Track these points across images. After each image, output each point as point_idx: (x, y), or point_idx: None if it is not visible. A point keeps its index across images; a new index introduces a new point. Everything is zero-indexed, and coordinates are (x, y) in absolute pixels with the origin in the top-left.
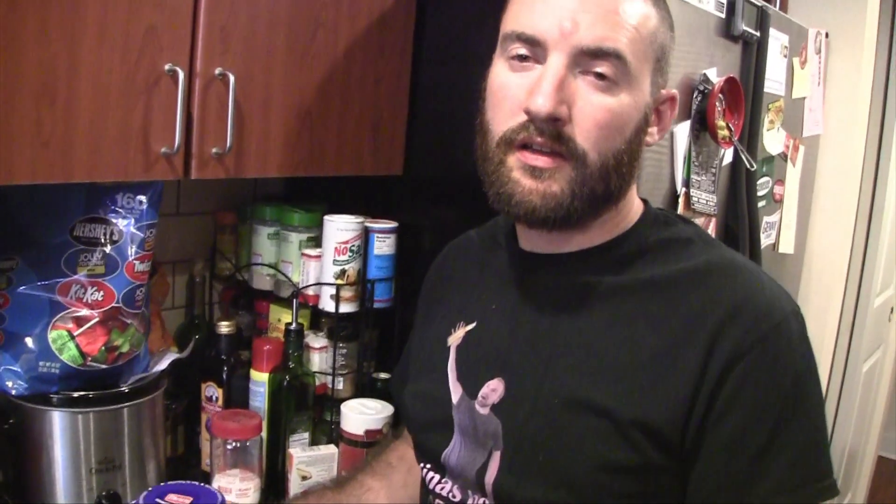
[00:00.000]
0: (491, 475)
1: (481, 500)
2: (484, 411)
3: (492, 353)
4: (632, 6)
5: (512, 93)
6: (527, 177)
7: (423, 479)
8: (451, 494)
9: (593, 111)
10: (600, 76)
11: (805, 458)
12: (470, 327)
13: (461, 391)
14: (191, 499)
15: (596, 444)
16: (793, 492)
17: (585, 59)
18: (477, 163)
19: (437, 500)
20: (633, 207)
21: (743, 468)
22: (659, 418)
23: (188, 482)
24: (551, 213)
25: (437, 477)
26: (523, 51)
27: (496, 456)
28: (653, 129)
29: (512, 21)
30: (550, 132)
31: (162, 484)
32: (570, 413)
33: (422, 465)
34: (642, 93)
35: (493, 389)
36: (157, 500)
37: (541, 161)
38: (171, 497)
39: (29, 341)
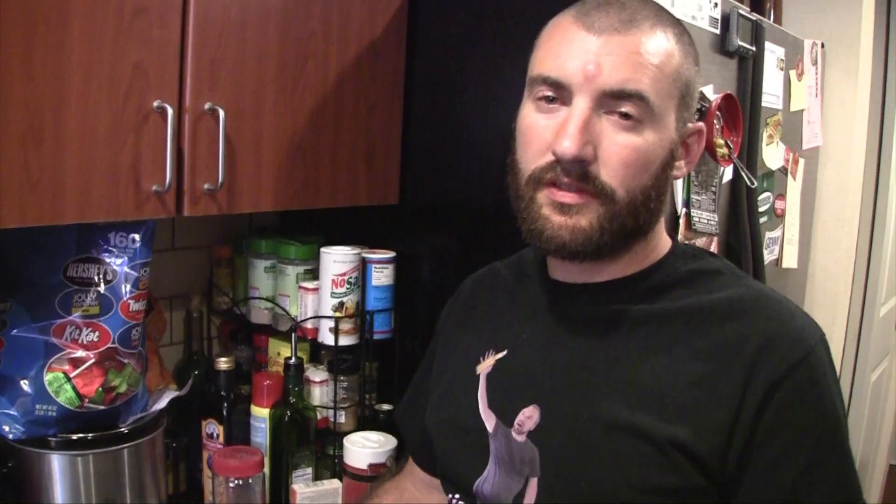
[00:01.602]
0: (529, 502)
1: None
2: (520, 438)
3: (525, 380)
4: (655, 46)
5: (539, 134)
6: (556, 213)
7: None
8: None
9: (619, 150)
10: (625, 115)
11: (842, 478)
12: (500, 355)
13: (495, 419)
14: None
15: (638, 467)
16: None
17: (609, 100)
18: (510, 200)
19: None
20: (662, 240)
21: (786, 492)
22: (699, 443)
23: None
24: (581, 247)
25: None
26: (550, 93)
27: (533, 483)
28: (680, 163)
29: (539, 65)
30: (577, 172)
31: None
32: (610, 437)
33: (450, 495)
34: (667, 130)
35: (529, 416)
36: None
37: (568, 197)
38: None
39: (24, 384)
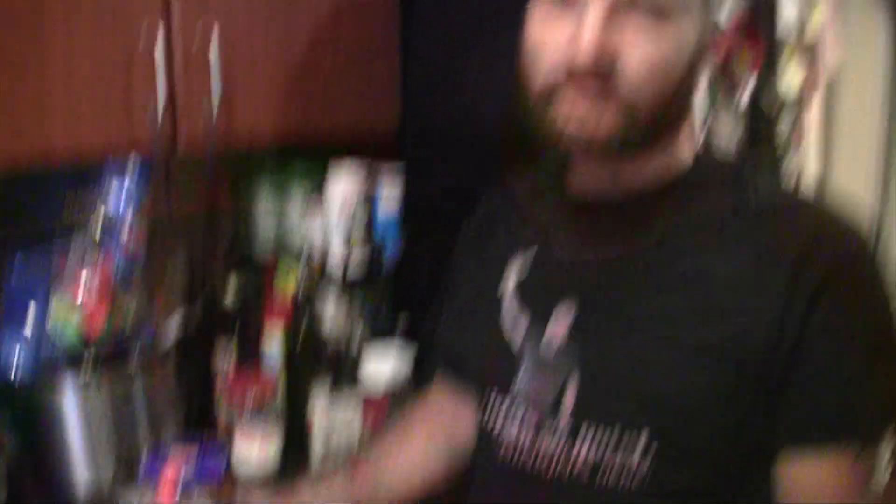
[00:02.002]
0: (569, 402)
1: (558, 428)
2: (557, 339)
3: (558, 280)
4: None
5: (552, 41)
6: (577, 110)
7: (483, 424)
8: (521, 431)
9: (643, 53)
10: (648, 11)
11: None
12: (529, 257)
13: (527, 321)
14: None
15: (680, 371)
16: (888, 420)
17: None
18: (520, 113)
19: (504, 439)
20: (687, 148)
21: (836, 395)
22: (744, 346)
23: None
24: (605, 145)
25: (504, 409)
26: None
27: (573, 384)
28: (705, 62)
29: None
30: (596, 84)
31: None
32: (650, 341)
33: (484, 403)
34: (694, 22)
35: (565, 315)
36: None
37: (589, 101)
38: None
39: (30, 325)
